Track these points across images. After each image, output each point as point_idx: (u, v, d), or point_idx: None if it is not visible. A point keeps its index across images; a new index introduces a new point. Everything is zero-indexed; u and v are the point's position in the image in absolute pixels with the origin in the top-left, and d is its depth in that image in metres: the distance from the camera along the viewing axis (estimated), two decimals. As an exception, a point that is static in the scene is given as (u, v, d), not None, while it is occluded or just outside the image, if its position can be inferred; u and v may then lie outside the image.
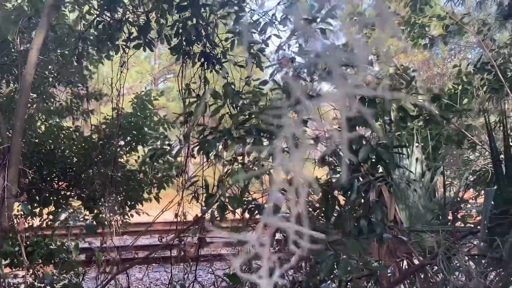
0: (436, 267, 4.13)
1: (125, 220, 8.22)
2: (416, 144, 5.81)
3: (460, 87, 7.43)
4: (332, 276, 4.19)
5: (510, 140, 5.55)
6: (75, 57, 7.72)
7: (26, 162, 6.99)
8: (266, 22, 6.20)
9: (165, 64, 28.62)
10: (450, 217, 5.49)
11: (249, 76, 5.69)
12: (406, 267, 4.67)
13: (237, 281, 4.55)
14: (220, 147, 4.56)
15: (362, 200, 4.34)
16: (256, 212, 4.43)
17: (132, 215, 8.30)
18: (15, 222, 5.91)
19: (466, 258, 4.29)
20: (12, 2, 7.76)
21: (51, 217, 7.76)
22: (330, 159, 4.71)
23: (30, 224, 7.55)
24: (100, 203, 7.77)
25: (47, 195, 7.89)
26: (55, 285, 5.67)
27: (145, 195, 8.25)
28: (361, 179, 4.32)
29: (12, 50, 7.50)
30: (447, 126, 6.19)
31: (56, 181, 8.18)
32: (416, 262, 4.55)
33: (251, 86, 5.48)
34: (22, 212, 6.37)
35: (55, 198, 7.95)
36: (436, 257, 4.05)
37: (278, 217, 0.81)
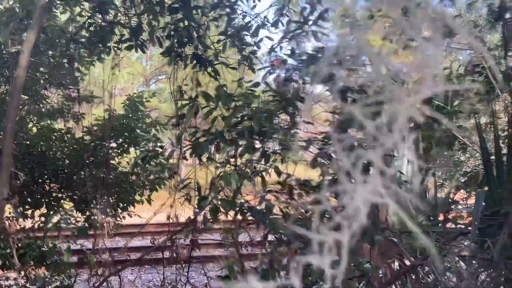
0: (427, 268, 4.15)
1: (117, 222, 8.21)
2: (407, 146, 5.82)
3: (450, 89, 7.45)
4: (324, 277, 4.21)
5: (500, 141, 5.59)
6: (67, 59, 7.71)
7: (18, 164, 6.98)
8: (258, 25, 6.21)
9: (157, 65, 28.59)
10: (441, 218, 5.52)
11: (242, 78, 5.69)
12: (398, 268, 4.70)
13: (230, 283, 4.56)
14: (213, 149, 4.57)
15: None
16: (249, 214, 4.44)
17: (124, 217, 8.29)
18: (7, 224, 5.90)
19: (457, 259, 4.32)
20: (4, 4, 7.73)
21: (43, 219, 7.74)
22: (322, 161, 4.72)
23: (22, 226, 7.52)
24: (92, 205, 7.76)
25: (38, 197, 7.87)
26: (47, 287, 5.66)
27: (137, 197, 8.24)
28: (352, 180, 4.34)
29: (4, 52, 7.48)
30: (438, 128, 6.22)
31: (48, 183, 8.16)
32: (407, 263, 4.57)
33: (244, 88, 5.49)
34: (13, 214, 6.35)
35: (46, 200, 7.94)
36: (427, 258, 4.08)
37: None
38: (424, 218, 5.45)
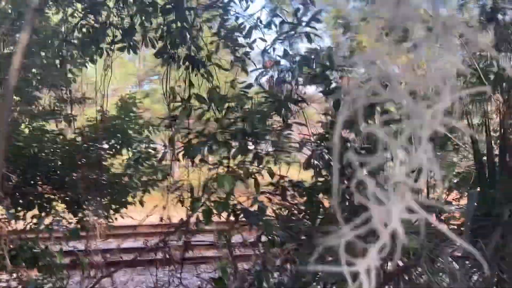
0: (420, 269, 4.16)
1: (109, 223, 8.18)
2: (400, 146, 5.84)
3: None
4: (317, 278, 4.21)
5: (492, 142, 5.61)
6: (59, 60, 7.68)
7: (10, 166, 6.95)
8: (251, 26, 6.21)
9: (150, 65, 28.51)
10: (434, 219, 5.52)
11: (234, 79, 5.69)
12: (390, 269, 4.70)
13: (223, 285, 4.56)
14: (206, 151, 4.57)
15: (348, 202, 4.36)
16: (242, 215, 4.44)
17: (116, 218, 8.26)
18: (-1, 226, 5.88)
19: (450, 259, 4.33)
20: (-4, 5, 7.71)
21: (35, 220, 7.70)
22: (316, 162, 4.72)
23: (14, 228, 7.49)
24: (84, 207, 7.73)
25: (31, 198, 7.83)
26: (39, 289, 5.65)
27: (130, 199, 8.21)
28: (346, 182, 4.35)
29: (-4, 53, 7.45)
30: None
31: (40, 185, 8.12)
32: (400, 263, 4.58)
33: (237, 90, 5.50)
34: (5, 216, 6.32)
35: (39, 201, 7.89)
36: (420, 259, 4.08)
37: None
38: (417, 218, 5.45)
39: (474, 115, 7.20)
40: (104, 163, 8.12)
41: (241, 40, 6.43)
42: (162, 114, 6.76)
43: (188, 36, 6.40)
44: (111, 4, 6.83)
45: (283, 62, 5.15)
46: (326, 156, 4.69)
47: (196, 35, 6.52)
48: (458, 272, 3.97)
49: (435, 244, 4.25)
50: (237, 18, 6.65)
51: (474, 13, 8.32)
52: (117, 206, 8.12)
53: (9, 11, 7.32)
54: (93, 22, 6.71)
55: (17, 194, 7.69)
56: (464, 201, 6.26)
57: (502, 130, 5.60)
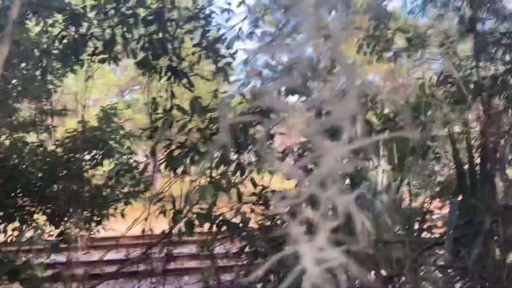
0: (403, 278, 4.17)
1: (91, 235, 8.11)
2: (382, 155, 5.87)
3: (424, 99, 7.53)
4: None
5: (473, 151, 5.65)
6: (39, 71, 7.63)
7: (-11, 178, 6.88)
8: (233, 36, 6.22)
9: (132, 75, 28.37)
10: (416, 228, 5.55)
11: (217, 90, 5.69)
12: (374, 278, 4.71)
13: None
14: (188, 161, 4.55)
15: (330, 212, 4.36)
16: (224, 227, 4.42)
17: (98, 231, 8.20)
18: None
19: (433, 268, 4.34)
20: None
21: (16, 233, 7.62)
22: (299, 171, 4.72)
23: (-5, 241, 7.41)
24: (66, 219, 7.66)
25: (11, 211, 7.75)
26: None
27: (111, 211, 8.15)
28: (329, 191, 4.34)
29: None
30: (411, 139, 6.27)
31: (21, 197, 8.04)
32: (383, 273, 4.58)
33: (219, 100, 5.49)
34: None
35: (19, 214, 7.81)
36: (403, 268, 4.09)
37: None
38: (400, 227, 5.48)
39: (454, 124, 7.25)
40: (85, 174, 8.06)
41: (223, 50, 6.43)
42: (144, 124, 6.73)
43: (170, 47, 6.39)
44: (92, 16, 6.81)
45: (265, 72, 5.16)
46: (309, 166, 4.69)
47: (178, 46, 6.51)
48: (441, 280, 3.98)
49: (418, 253, 4.27)
50: (218, 29, 6.66)
51: (453, 23, 8.40)
52: (99, 219, 8.06)
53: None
54: (73, 33, 6.67)
55: (-3, 206, 7.61)
56: (446, 210, 6.30)
57: (483, 139, 5.65)
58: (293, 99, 5.17)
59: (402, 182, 5.84)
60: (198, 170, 4.66)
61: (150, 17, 6.15)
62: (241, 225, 4.37)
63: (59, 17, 7.00)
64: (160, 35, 6.27)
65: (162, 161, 4.64)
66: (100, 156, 8.28)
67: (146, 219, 6.19)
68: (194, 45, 6.48)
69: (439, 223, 5.64)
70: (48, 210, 7.75)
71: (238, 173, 4.63)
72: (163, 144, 4.80)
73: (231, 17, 6.60)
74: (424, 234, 5.33)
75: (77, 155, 7.95)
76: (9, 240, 7.57)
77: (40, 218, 7.82)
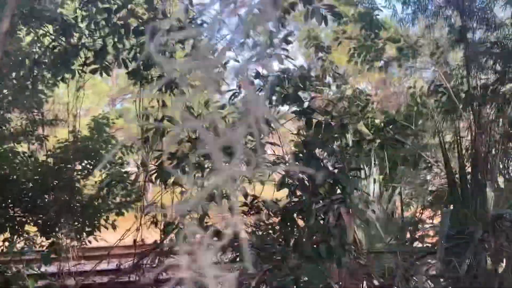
0: (395, 288, 4.17)
1: (82, 246, 8.08)
2: (374, 164, 5.87)
3: (415, 109, 7.57)
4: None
5: (465, 160, 5.66)
6: (30, 81, 7.60)
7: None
8: (224, 47, 6.22)
9: (123, 85, 28.29)
10: (408, 237, 5.55)
11: (208, 100, 5.68)
12: (366, 288, 4.70)
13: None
14: (179, 172, 4.54)
15: (322, 222, 4.36)
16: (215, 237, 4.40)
17: (90, 241, 8.16)
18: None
19: (425, 278, 4.34)
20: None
21: (6, 244, 7.58)
22: (290, 181, 4.72)
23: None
24: (57, 229, 7.63)
25: (2, 221, 7.71)
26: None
27: (102, 221, 8.11)
28: (321, 202, 4.35)
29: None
30: (403, 148, 6.28)
31: (12, 207, 7.99)
32: (376, 283, 4.58)
33: (210, 110, 5.48)
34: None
35: (10, 224, 7.77)
36: (395, 278, 4.10)
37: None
38: (392, 237, 5.48)
39: (446, 133, 7.27)
40: (76, 184, 8.03)
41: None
42: (135, 134, 6.71)
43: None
44: (83, 26, 6.80)
45: (256, 82, 5.16)
46: (301, 175, 4.69)
47: (169, 56, 6.50)
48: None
49: (410, 263, 4.27)
50: (210, 39, 6.65)
51: (444, 33, 8.43)
52: (90, 229, 8.03)
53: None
54: (65, 43, 6.66)
55: (-12, 217, 7.57)
56: (438, 219, 6.31)
57: (474, 148, 5.67)
58: (285, 107, 5.18)
59: (394, 192, 5.85)
60: (189, 181, 4.64)
61: (141, 28, 6.15)
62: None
63: (50, 27, 6.99)
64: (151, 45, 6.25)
65: (153, 172, 4.63)
66: (92, 167, 8.25)
67: (137, 230, 6.17)
68: (186, 56, 6.47)
69: (431, 233, 5.65)
70: (39, 221, 7.72)
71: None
72: (155, 155, 4.79)
73: (222, 27, 6.59)
74: (416, 244, 5.34)
75: (68, 165, 7.92)
76: (0, 250, 7.53)
77: (31, 228, 7.78)
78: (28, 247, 7.24)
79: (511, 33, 7.18)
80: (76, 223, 7.94)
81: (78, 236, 7.93)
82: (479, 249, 4.12)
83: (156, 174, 4.48)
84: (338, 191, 4.66)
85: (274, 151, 5.47)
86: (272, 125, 5.09)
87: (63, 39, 6.67)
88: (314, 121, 4.62)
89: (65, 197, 7.64)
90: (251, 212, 4.89)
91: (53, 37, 6.85)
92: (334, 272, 4.49)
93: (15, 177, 7.92)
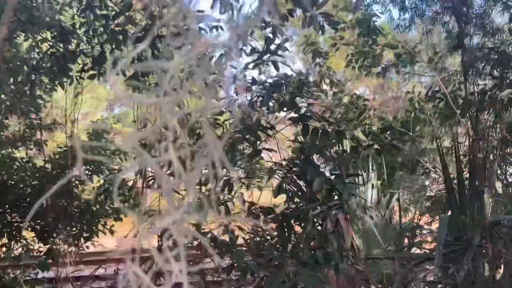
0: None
1: (80, 251, 8.07)
2: (372, 170, 5.88)
3: (412, 114, 7.57)
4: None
5: (462, 166, 5.66)
6: (28, 87, 7.61)
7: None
8: (221, 53, 6.22)
9: (121, 89, 28.23)
10: (406, 243, 5.55)
11: (205, 106, 5.68)
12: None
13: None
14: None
15: (320, 228, 4.36)
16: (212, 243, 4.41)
17: (87, 247, 8.15)
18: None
19: (423, 284, 4.34)
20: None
21: (4, 249, 7.57)
22: (288, 187, 4.72)
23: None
24: (55, 235, 7.62)
25: (0, 227, 7.70)
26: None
27: (100, 227, 8.11)
28: (318, 208, 4.34)
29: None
30: (400, 154, 6.29)
31: (9, 213, 7.98)
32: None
33: (208, 116, 5.47)
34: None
35: (8, 230, 7.76)
36: (393, 284, 4.09)
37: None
38: (390, 243, 5.48)
39: (443, 139, 7.28)
40: (74, 190, 8.02)
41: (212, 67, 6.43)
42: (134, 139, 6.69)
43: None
44: (81, 32, 6.81)
45: (254, 88, 5.16)
46: (298, 181, 4.70)
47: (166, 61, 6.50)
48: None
49: (408, 269, 4.27)
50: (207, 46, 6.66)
51: (441, 38, 8.45)
52: (88, 235, 8.02)
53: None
54: (63, 50, 6.67)
55: (-15, 223, 7.56)
56: (436, 225, 6.30)
57: (471, 154, 5.67)
58: (283, 113, 5.18)
59: (392, 198, 5.85)
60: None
61: (139, 34, 6.15)
62: (229, 244, 4.36)
63: (48, 33, 7.00)
64: (150, 51, 6.26)
65: (151, 178, 4.63)
66: (90, 173, 8.24)
67: (135, 236, 6.15)
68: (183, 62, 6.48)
69: (429, 239, 5.66)
70: (37, 226, 7.71)
71: (226, 190, 4.61)
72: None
73: (220, 33, 6.61)
74: (414, 250, 5.34)
75: (66, 171, 7.91)
76: (-3, 256, 7.52)
77: (29, 234, 7.77)
78: (25, 253, 7.22)
79: (509, 39, 7.19)
80: (73, 229, 7.93)
81: (76, 242, 7.92)
82: (477, 255, 4.12)
83: (153, 180, 4.48)
84: (336, 197, 4.67)
85: (271, 157, 5.47)
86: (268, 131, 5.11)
87: (61, 45, 6.68)
88: (311, 127, 4.63)
89: (63, 202, 7.63)
90: (248, 218, 4.89)
91: (51, 43, 6.85)
92: (332, 279, 4.49)
93: (13, 182, 7.91)
